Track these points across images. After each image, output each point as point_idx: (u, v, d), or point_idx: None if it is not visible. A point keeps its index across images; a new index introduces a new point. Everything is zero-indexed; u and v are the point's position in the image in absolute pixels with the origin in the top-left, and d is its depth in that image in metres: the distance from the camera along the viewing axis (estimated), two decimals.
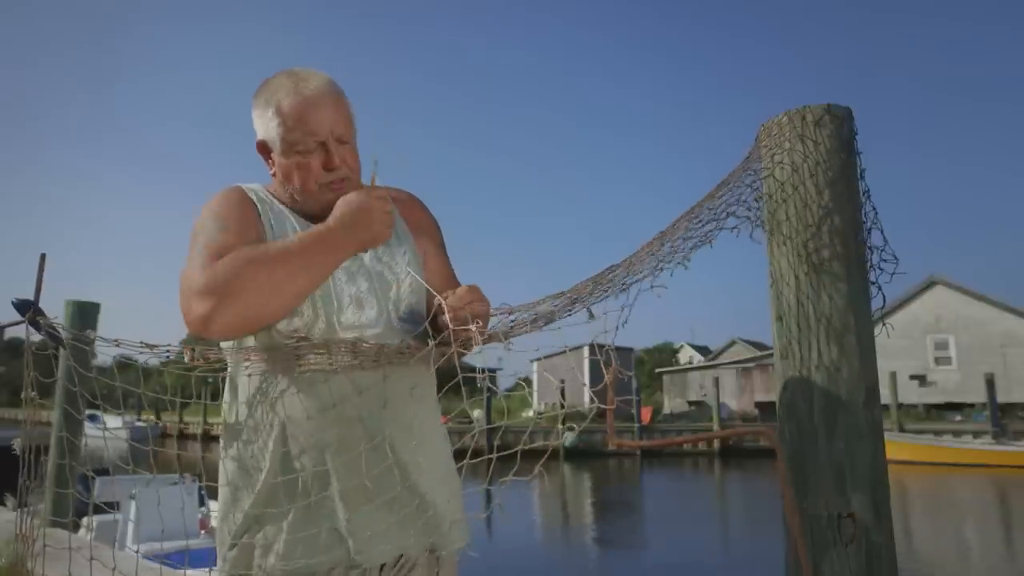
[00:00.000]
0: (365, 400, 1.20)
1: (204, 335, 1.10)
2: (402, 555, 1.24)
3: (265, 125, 1.26)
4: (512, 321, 1.18)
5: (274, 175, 1.31)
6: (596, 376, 1.15)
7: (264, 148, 1.30)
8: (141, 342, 1.30)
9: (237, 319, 1.08)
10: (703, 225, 1.14)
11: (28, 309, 1.43)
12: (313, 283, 1.15)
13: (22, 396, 1.65)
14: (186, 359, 1.27)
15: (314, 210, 1.29)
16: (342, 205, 1.19)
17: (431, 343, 1.19)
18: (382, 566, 1.22)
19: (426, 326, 1.25)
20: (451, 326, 1.13)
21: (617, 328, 1.01)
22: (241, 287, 1.07)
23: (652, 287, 1.05)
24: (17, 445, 1.77)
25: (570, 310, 1.11)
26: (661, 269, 1.06)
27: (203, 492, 6.92)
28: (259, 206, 1.27)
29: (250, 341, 1.23)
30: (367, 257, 1.31)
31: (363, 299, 1.27)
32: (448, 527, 1.30)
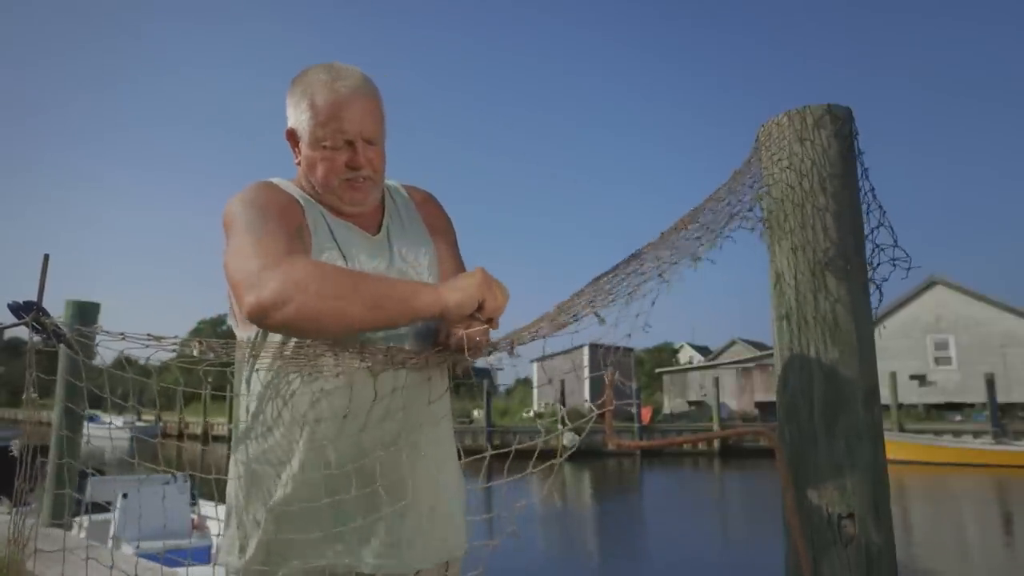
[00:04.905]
0: (383, 403, 1.19)
1: (250, 319, 1.08)
2: (419, 572, 1.23)
3: (297, 115, 1.28)
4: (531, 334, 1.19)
5: (298, 164, 1.33)
6: (597, 376, 1.15)
7: (292, 136, 1.32)
8: (148, 334, 1.30)
9: (291, 322, 1.05)
10: (706, 231, 1.14)
11: (29, 311, 1.44)
12: (384, 327, 1.14)
13: (23, 397, 1.64)
14: (195, 352, 1.27)
15: (334, 203, 1.30)
16: (462, 288, 1.13)
17: (433, 348, 1.20)
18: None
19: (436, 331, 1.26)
20: (465, 342, 1.14)
21: (630, 335, 1.01)
22: (316, 295, 1.04)
23: (653, 303, 1.05)
24: (15, 447, 1.77)
25: (577, 315, 1.11)
26: (666, 278, 1.06)
27: (195, 491, 6.93)
28: (300, 200, 1.29)
29: (274, 337, 1.22)
30: (395, 256, 1.32)
31: None
32: (456, 534, 1.30)
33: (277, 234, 1.14)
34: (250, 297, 1.05)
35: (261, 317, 1.06)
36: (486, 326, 1.15)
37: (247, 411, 1.25)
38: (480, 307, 1.13)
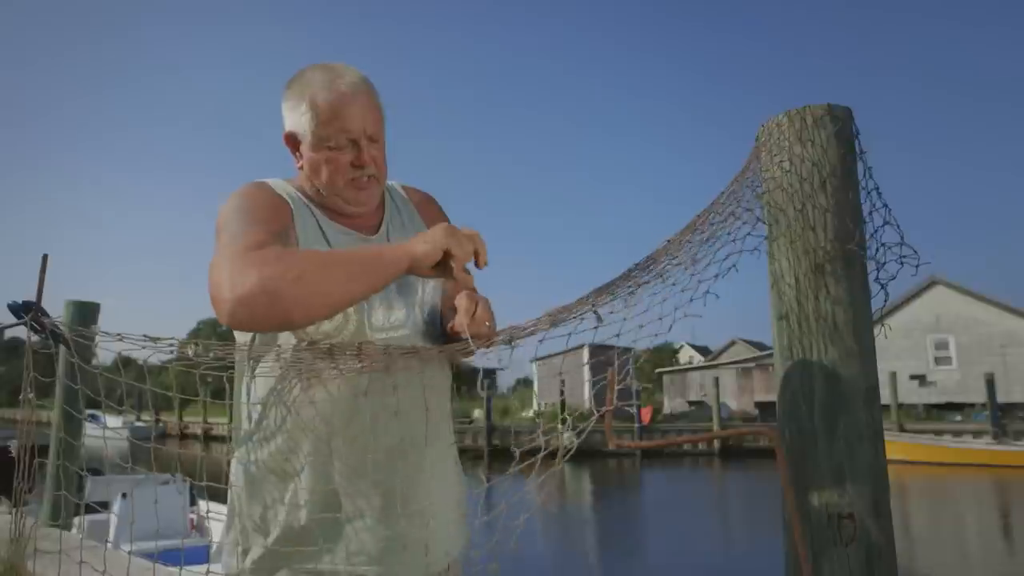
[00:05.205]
0: (382, 406, 1.19)
1: (234, 324, 1.05)
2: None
3: (297, 118, 1.25)
4: (526, 328, 1.19)
5: (300, 168, 1.30)
6: (598, 377, 1.15)
7: (292, 140, 1.29)
8: (144, 335, 1.30)
9: (277, 313, 1.01)
10: (712, 242, 1.14)
11: (28, 311, 1.44)
12: (364, 294, 1.10)
13: (21, 397, 1.64)
14: (190, 353, 1.26)
15: (337, 205, 1.29)
16: (427, 239, 1.12)
17: (440, 344, 1.19)
18: None
19: (442, 330, 1.25)
20: (467, 334, 1.12)
21: (636, 339, 1.01)
22: (293, 280, 1.01)
23: (685, 315, 1.05)
24: (14, 447, 1.78)
25: (579, 314, 1.11)
26: (666, 280, 1.05)
27: (194, 491, 6.92)
28: (290, 203, 1.27)
29: (282, 339, 1.21)
30: None
31: (392, 300, 1.26)
32: (456, 537, 1.29)
33: (256, 236, 1.12)
34: (225, 305, 1.02)
35: (244, 319, 1.03)
36: (484, 300, 1.14)
37: (249, 418, 1.25)
38: (448, 255, 1.12)
